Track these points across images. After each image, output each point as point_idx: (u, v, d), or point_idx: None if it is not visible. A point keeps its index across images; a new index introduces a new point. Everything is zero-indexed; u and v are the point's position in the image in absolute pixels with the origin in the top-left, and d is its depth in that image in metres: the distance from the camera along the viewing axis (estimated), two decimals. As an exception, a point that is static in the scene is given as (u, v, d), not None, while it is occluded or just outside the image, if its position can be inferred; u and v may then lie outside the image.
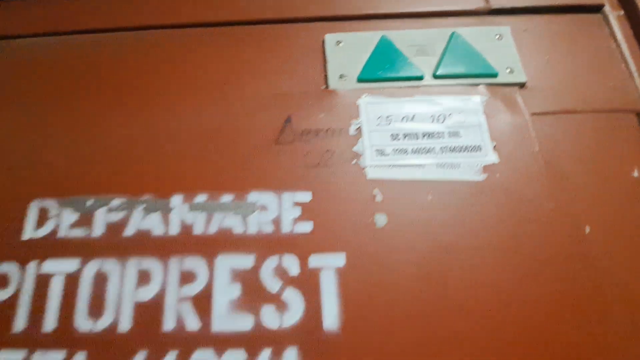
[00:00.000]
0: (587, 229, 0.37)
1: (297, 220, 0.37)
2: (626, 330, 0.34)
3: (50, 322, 0.34)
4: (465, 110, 0.41)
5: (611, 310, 0.34)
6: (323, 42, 0.46)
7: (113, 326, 0.34)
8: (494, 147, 0.40)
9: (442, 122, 0.40)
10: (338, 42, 0.45)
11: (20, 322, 0.34)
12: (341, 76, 0.43)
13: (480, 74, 0.43)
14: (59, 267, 0.36)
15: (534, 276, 0.35)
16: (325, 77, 0.43)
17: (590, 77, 0.44)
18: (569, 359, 0.33)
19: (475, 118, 0.41)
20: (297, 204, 0.38)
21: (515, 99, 0.42)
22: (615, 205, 0.38)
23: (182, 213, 0.38)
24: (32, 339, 0.34)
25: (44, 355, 0.33)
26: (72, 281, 0.36)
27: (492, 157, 0.39)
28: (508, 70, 0.43)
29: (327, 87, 0.43)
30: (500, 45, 0.45)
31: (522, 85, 0.43)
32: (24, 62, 0.46)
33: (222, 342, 0.33)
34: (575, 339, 0.33)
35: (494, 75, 0.43)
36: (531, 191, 0.38)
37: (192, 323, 0.34)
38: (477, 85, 0.43)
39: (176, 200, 0.38)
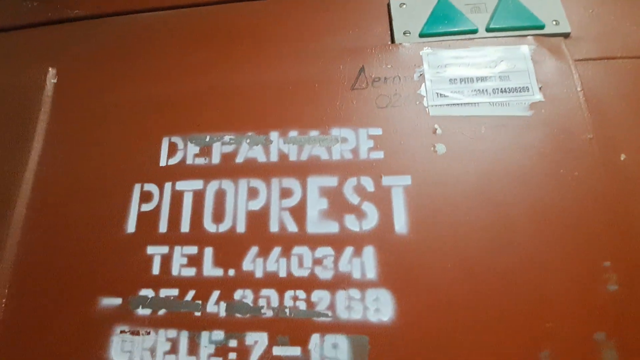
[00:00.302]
0: (623, 157, 0.43)
1: (371, 149, 0.46)
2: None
3: (185, 225, 0.46)
4: (514, 58, 0.48)
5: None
6: (388, 4, 0.53)
7: (232, 228, 0.45)
8: (540, 88, 0.46)
9: (494, 67, 0.47)
10: (401, 4, 0.52)
11: (163, 226, 0.46)
12: (405, 32, 0.50)
13: (528, 26, 0.49)
14: (188, 186, 0.47)
15: (575, 196, 0.42)
16: (391, 33, 0.51)
17: (630, 27, 0.49)
18: (603, 265, 0.40)
19: (523, 64, 0.47)
20: (370, 136, 0.46)
21: (560, 47, 0.48)
22: (649, 136, 0.44)
23: (279, 145, 0.47)
24: (173, 238, 0.45)
25: (183, 249, 0.45)
26: (199, 196, 0.47)
27: (538, 96, 0.45)
28: (554, 23, 0.49)
29: (393, 42, 0.50)
30: (547, 0, 0.50)
31: (566, 35, 0.49)
32: (150, 33, 0.57)
33: (315, 241, 0.43)
34: (608, 249, 0.40)
35: (541, 27, 0.49)
36: (572, 124, 0.44)
37: (291, 227, 0.44)
38: (525, 36, 0.49)
39: (273, 135, 0.48)
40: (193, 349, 0.41)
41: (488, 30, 0.49)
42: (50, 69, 0.55)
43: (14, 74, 0.57)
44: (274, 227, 0.44)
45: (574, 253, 0.40)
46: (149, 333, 0.42)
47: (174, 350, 0.41)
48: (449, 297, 0.40)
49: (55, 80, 0.55)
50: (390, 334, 0.39)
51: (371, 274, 0.41)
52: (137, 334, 0.42)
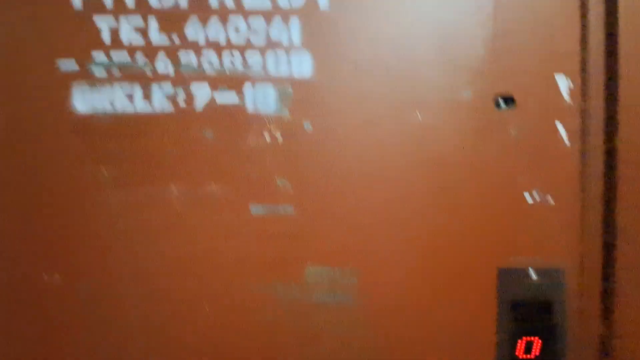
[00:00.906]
0: None
1: None
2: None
3: (130, 1, 0.50)
4: None
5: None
6: None
7: (175, 5, 0.49)
8: None
9: None
10: None
11: (108, 2, 0.50)
12: None
13: None
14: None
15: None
16: None
17: None
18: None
19: None
20: None
21: None
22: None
23: None
24: (119, 11, 0.50)
25: (129, 19, 0.49)
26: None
27: None
28: None
29: None
30: None
31: None
32: None
33: (250, 14, 0.50)
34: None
35: None
36: None
37: (229, 2, 0.50)
38: None
39: None
40: (147, 98, 0.49)
41: None
42: None
43: None
44: (214, 3, 0.50)
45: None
46: (106, 88, 0.49)
47: (130, 100, 0.49)
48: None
49: None
50: (309, 85, 0.49)
51: (296, 40, 0.50)
52: (96, 88, 0.49)
